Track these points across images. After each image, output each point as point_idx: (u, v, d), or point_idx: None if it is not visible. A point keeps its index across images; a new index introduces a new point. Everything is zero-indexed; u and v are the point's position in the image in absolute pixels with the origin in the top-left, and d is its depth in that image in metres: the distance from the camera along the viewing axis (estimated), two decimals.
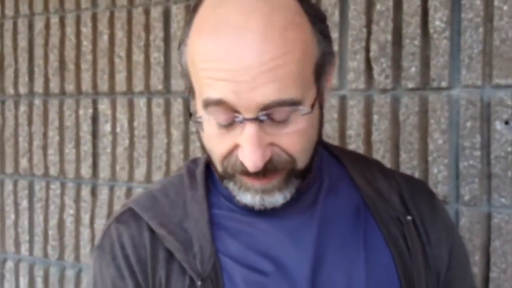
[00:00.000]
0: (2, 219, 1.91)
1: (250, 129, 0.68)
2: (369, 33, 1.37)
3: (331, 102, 1.39)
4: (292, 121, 0.70)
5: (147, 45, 1.65)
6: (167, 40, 1.63)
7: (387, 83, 1.35)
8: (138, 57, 1.66)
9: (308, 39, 0.71)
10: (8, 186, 1.90)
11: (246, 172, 0.71)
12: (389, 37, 1.35)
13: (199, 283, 0.73)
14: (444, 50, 1.30)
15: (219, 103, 0.68)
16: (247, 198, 0.74)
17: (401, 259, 0.79)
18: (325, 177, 0.84)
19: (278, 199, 0.74)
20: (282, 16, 0.69)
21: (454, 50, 1.29)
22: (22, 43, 1.86)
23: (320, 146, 0.82)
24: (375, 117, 1.36)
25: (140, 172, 1.67)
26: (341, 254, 0.78)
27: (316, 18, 0.74)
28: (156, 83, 1.64)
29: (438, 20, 1.30)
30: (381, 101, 1.36)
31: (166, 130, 1.63)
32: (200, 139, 0.78)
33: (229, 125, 0.70)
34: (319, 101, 0.74)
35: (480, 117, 1.26)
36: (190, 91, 0.77)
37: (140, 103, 1.66)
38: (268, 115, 0.69)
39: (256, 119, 0.68)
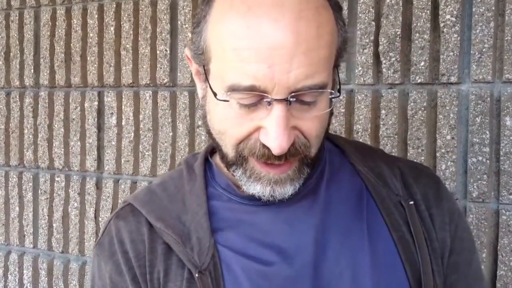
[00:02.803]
0: (6, 211, 1.90)
1: (278, 111, 0.67)
2: (378, 27, 1.35)
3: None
4: (317, 105, 0.70)
5: (153, 38, 1.64)
6: (173, 33, 1.62)
7: (396, 78, 1.34)
8: (144, 49, 1.65)
9: (334, 24, 0.72)
10: (13, 178, 1.89)
11: (266, 156, 0.70)
12: (398, 31, 1.33)
13: (196, 275, 0.72)
14: (454, 44, 1.28)
15: (250, 89, 0.67)
16: (256, 188, 0.73)
17: (404, 245, 0.78)
18: (326, 165, 0.83)
19: (288, 190, 0.73)
20: None
21: (465, 45, 1.28)
22: (28, 34, 1.85)
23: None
24: (383, 112, 1.35)
25: (145, 165, 1.66)
26: (345, 241, 0.77)
27: (336, 6, 0.74)
28: (162, 76, 1.63)
29: (449, 14, 1.29)
30: (389, 96, 1.34)
31: (172, 123, 1.62)
32: (206, 124, 0.77)
33: (253, 106, 0.68)
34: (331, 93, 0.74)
35: (490, 113, 1.25)
36: (204, 71, 0.74)
37: (146, 96, 1.65)
38: (297, 97, 0.68)
39: (286, 101, 0.67)
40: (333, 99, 0.76)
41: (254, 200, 0.77)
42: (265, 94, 0.67)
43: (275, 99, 0.66)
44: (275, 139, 0.67)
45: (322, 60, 0.68)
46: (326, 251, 0.76)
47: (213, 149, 0.84)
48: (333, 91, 0.72)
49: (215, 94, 0.71)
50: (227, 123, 0.71)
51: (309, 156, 0.73)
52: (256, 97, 0.68)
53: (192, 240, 0.76)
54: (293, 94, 0.67)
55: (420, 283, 0.77)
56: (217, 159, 0.84)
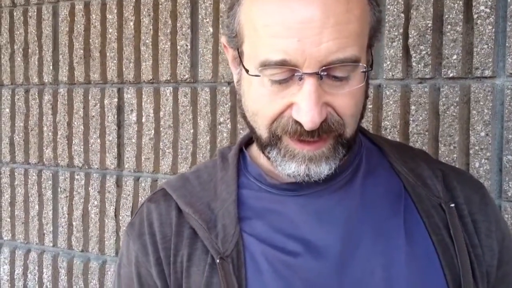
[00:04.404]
0: (26, 209, 1.90)
1: (309, 85, 0.67)
2: (407, 19, 1.30)
3: None
4: (349, 82, 0.70)
5: (173, 33, 1.61)
6: (194, 27, 1.59)
7: (426, 72, 1.29)
8: (164, 45, 1.62)
9: (365, 2, 0.72)
10: (33, 176, 1.88)
11: (298, 133, 0.70)
12: (430, 23, 1.28)
13: (217, 261, 0.74)
14: (489, 36, 1.23)
15: (281, 63, 0.67)
16: (291, 167, 0.72)
17: (443, 248, 0.76)
18: (363, 161, 0.83)
19: (324, 169, 0.72)
20: None
21: (499, 37, 1.23)
22: (47, 30, 1.84)
23: (359, 132, 0.83)
24: (413, 107, 1.30)
25: (165, 163, 1.63)
26: (378, 239, 0.75)
27: None
28: (183, 71, 1.60)
29: (483, 5, 1.23)
30: (420, 91, 1.29)
31: (193, 120, 1.59)
32: (241, 108, 0.78)
33: (285, 82, 0.69)
34: (366, 76, 0.74)
35: None
36: (238, 53, 0.76)
37: (167, 92, 1.63)
38: (328, 72, 0.68)
39: (317, 75, 0.67)
40: (369, 81, 0.77)
41: (284, 189, 0.78)
42: (296, 68, 0.67)
43: (306, 73, 0.67)
44: (307, 113, 0.67)
45: (353, 35, 0.68)
46: (357, 247, 0.75)
47: (248, 140, 0.87)
48: (365, 66, 0.71)
49: (247, 71, 0.72)
50: (260, 102, 0.72)
51: (344, 136, 0.72)
52: (287, 72, 0.68)
53: (217, 227, 0.77)
54: (324, 67, 0.67)
55: None
56: (251, 150, 0.85)
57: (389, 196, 0.80)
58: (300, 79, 0.68)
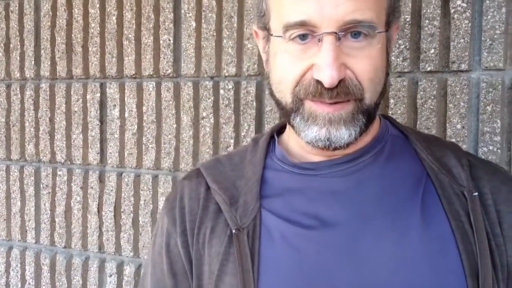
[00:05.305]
0: (8, 206, 1.89)
1: (327, 44, 0.72)
2: None
3: None
4: (366, 45, 0.74)
5: (156, 27, 1.62)
6: (177, 22, 1.60)
7: (405, 66, 1.32)
8: (147, 39, 1.63)
9: None
10: (14, 173, 1.87)
11: (319, 92, 0.74)
12: (408, 17, 1.31)
13: (233, 231, 0.80)
14: (465, 31, 1.26)
15: (301, 24, 0.73)
16: (313, 131, 0.76)
17: (462, 234, 0.77)
18: (387, 147, 0.86)
19: (344, 134, 0.76)
20: None
21: (475, 31, 1.26)
22: (29, 25, 1.83)
23: (387, 120, 0.90)
24: (392, 101, 1.33)
25: (149, 158, 1.64)
26: (392, 219, 0.78)
27: None
28: (166, 66, 1.61)
29: (459, 0, 1.26)
30: (398, 85, 1.32)
31: (176, 114, 1.60)
32: (269, 84, 0.83)
33: (306, 43, 0.74)
34: (387, 48, 0.80)
35: (501, 101, 1.23)
36: (267, 31, 0.82)
37: (149, 87, 1.64)
38: (346, 32, 0.73)
39: (335, 33, 0.72)
40: (389, 57, 0.82)
41: (304, 169, 0.84)
42: (315, 29, 0.72)
43: (324, 33, 0.72)
44: (325, 69, 0.72)
45: (370, 0, 0.73)
46: (370, 224, 0.77)
47: (280, 129, 0.94)
48: (381, 28, 0.75)
49: (271, 34, 0.79)
50: (285, 68, 0.77)
51: (363, 102, 0.76)
52: (308, 32, 0.73)
53: (239, 202, 0.83)
54: (342, 27, 0.72)
55: (477, 276, 0.75)
56: (281, 137, 0.92)
57: (409, 180, 0.82)
58: (319, 40, 0.72)
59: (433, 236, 0.76)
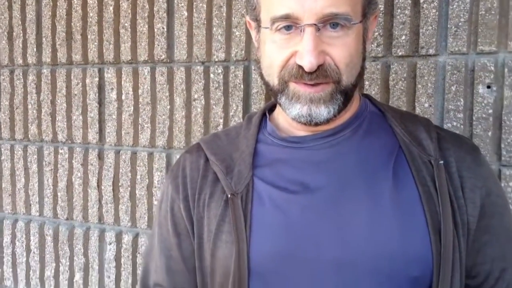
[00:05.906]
0: (12, 182, 1.91)
1: (308, 34, 0.79)
2: None
3: None
4: (343, 35, 0.82)
5: (151, 16, 1.65)
6: (170, 11, 1.63)
7: (379, 51, 1.38)
8: (142, 27, 1.66)
9: None
10: (18, 151, 1.90)
11: (300, 75, 0.82)
12: (382, 7, 1.37)
13: (229, 196, 0.88)
14: (433, 19, 1.32)
15: (286, 17, 0.80)
16: (296, 108, 0.84)
17: (427, 197, 0.84)
18: (365, 123, 0.93)
19: (323, 111, 0.84)
20: None
21: (442, 19, 1.32)
22: (30, 15, 1.85)
23: (367, 99, 0.96)
24: (366, 83, 1.40)
25: (144, 137, 1.68)
26: (367, 186, 0.85)
27: None
28: (160, 52, 1.64)
29: None
30: (373, 68, 1.39)
31: (169, 97, 1.64)
32: (260, 68, 0.90)
33: (290, 33, 0.81)
34: (363, 36, 0.87)
35: (464, 82, 1.30)
36: (257, 22, 0.89)
37: (144, 71, 1.67)
38: (325, 24, 0.80)
39: (315, 25, 0.79)
40: (366, 46, 0.89)
41: (291, 142, 0.91)
42: (298, 21, 0.80)
43: (306, 24, 0.79)
44: (305, 55, 0.79)
45: None
46: (348, 190, 0.85)
47: (272, 107, 1.01)
48: (356, 21, 0.82)
49: (260, 25, 0.87)
50: (272, 54, 0.85)
51: (341, 83, 0.84)
52: (291, 24, 0.80)
53: (234, 171, 0.91)
54: (321, 19, 0.79)
55: (439, 232, 0.82)
56: (272, 114, 1.00)
57: (383, 151, 0.89)
58: (302, 31, 0.80)
59: (402, 199, 0.83)
